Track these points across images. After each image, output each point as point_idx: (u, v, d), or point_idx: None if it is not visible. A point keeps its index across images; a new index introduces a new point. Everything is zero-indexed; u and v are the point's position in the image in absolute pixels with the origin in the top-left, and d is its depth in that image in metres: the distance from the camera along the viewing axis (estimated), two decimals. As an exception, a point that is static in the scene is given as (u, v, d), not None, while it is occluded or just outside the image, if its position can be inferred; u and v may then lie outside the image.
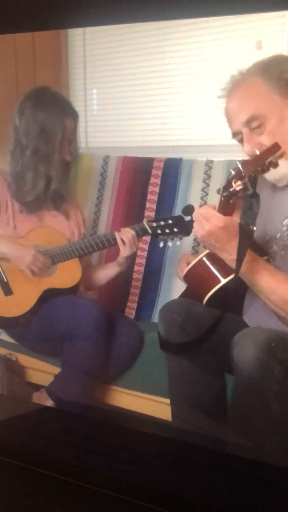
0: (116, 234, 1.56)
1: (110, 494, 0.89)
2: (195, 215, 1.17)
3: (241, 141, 1.22)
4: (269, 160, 1.05)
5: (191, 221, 1.54)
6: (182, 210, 1.55)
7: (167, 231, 1.55)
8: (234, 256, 1.11)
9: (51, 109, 1.55)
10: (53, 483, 0.97)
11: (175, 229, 1.55)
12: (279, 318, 1.16)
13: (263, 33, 1.81)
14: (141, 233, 1.56)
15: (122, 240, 1.55)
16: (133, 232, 1.55)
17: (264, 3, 0.90)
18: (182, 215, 1.54)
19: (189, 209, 1.54)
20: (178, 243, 1.58)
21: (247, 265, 1.12)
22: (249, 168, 1.05)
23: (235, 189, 1.07)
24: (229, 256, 1.14)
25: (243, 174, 1.05)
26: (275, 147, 1.05)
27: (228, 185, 1.08)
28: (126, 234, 1.55)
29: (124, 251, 1.56)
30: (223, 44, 1.87)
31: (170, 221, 1.55)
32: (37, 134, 1.54)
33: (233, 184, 1.07)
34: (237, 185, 1.06)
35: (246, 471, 0.93)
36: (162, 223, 1.56)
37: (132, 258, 1.67)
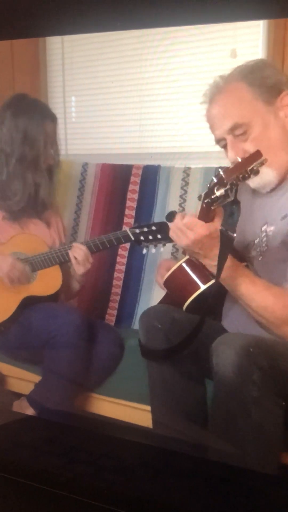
0: (69, 252, 1.54)
1: (94, 503, 0.89)
2: (176, 225, 1.17)
3: (224, 147, 1.23)
4: (250, 167, 1.06)
5: None
6: (165, 217, 1.55)
7: (150, 237, 1.54)
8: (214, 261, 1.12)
9: (31, 115, 1.55)
10: (36, 494, 0.96)
11: (159, 236, 1.54)
12: (258, 324, 1.18)
13: (238, 42, 1.84)
14: (123, 240, 1.55)
15: (75, 257, 1.53)
16: (84, 248, 1.53)
17: (238, 13, 0.91)
18: (166, 222, 1.54)
19: (172, 216, 1.54)
20: (161, 249, 1.58)
21: (228, 271, 1.13)
22: (231, 175, 1.05)
23: (216, 196, 1.08)
24: (212, 263, 1.14)
25: (225, 181, 1.06)
26: (257, 155, 1.07)
27: (209, 192, 1.09)
28: (78, 251, 1.53)
29: (78, 270, 1.54)
30: (199, 52, 1.88)
31: (153, 228, 1.55)
32: (21, 141, 1.54)
33: (214, 191, 1.07)
34: (218, 192, 1.07)
35: (229, 478, 0.94)
36: (145, 229, 1.55)
37: (86, 275, 1.63)
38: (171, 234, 1.20)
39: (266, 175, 1.18)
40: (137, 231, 1.56)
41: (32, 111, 1.56)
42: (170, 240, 1.55)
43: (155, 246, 1.57)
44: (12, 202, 1.58)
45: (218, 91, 1.22)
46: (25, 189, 1.57)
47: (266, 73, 1.18)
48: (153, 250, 1.57)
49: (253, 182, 1.21)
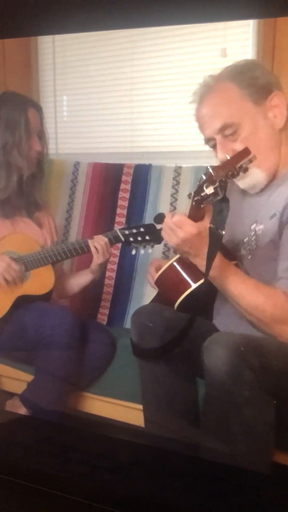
0: (90, 241, 1.56)
1: (88, 503, 0.89)
2: (167, 224, 1.17)
3: (214, 147, 1.23)
4: (239, 164, 1.07)
5: None
6: (153, 219, 1.56)
7: (139, 238, 1.56)
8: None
9: (13, 104, 1.57)
10: (29, 493, 0.96)
11: (147, 237, 1.57)
12: (249, 322, 1.18)
13: (228, 41, 1.85)
14: (114, 240, 1.57)
15: (95, 248, 1.55)
16: (106, 240, 1.56)
17: (228, 12, 0.92)
18: (154, 223, 1.56)
19: (160, 218, 1.54)
20: (150, 250, 1.60)
21: (218, 270, 1.14)
22: (220, 172, 1.06)
23: (206, 194, 1.08)
24: (203, 261, 1.14)
25: (214, 179, 1.06)
26: (245, 152, 1.07)
27: (199, 189, 1.09)
28: (99, 241, 1.55)
29: (98, 259, 1.56)
30: (190, 51, 1.89)
31: (142, 229, 1.57)
32: (3, 129, 1.55)
33: (204, 188, 1.08)
34: (208, 190, 1.08)
35: (223, 476, 0.94)
36: (134, 231, 1.57)
37: (105, 266, 1.67)
38: (163, 233, 1.20)
39: (256, 176, 1.19)
40: (127, 232, 1.57)
41: (13, 101, 1.59)
42: (158, 241, 1.57)
43: (144, 247, 1.58)
44: None
45: (208, 91, 1.22)
46: (8, 175, 1.57)
47: (255, 74, 1.19)
48: (142, 251, 1.59)
49: (243, 183, 1.22)
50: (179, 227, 1.14)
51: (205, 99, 1.22)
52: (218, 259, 1.14)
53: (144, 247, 1.58)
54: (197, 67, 1.86)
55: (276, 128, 1.19)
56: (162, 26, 1.75)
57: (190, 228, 1.13)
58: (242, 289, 1.14)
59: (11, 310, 1.55)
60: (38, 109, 1.62)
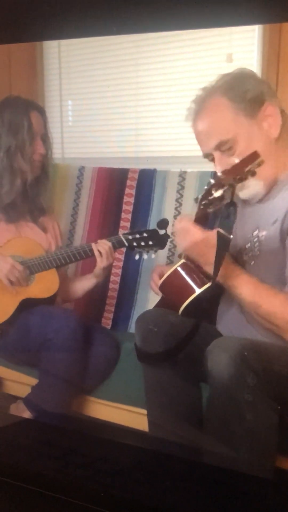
0: (93, 245, 1.56)
1: (90, 507, 0.89)
2: (175, 228, 1.18)
3: (212, 161, 1.23)
4: (248, 168, 1.07)
5: (166, 235, 1.57)
6: (156, 224, 1.56)
7: (142, 243, 1.57)
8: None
9: (15, 107, 1.58)
10: (32, 496, 0.96)
11: (150, 242, 1.57)
12: (268, 331, 1.16)
13: (234, 46, 1.85)
14: (117, 245, 1.57)
15: (99, 252, 1.55)
16: (109, 244, 1.56)
17: (234, 18, 0.92)
18: (157, 229, 1.56)
19: (163, 223, 1.56)
20: (153, 255, 1.60)
21: (232, 280, 1.14)
22: (229, 176, 1.06)
23: (214, 197, 1.08)
24: (209, 267, 1.14)
25: (222, 183, 1.07)
26: (254, 156, 1.07)
27: (207, 193, 1.09)
28: (103, 245, 1.56)
29: (101, 262, 1.56)
30: (195, 56, 1.90)
31: (145, 234, 1.57)
32: (6, 133, 1.56)
33: (212, 192, 1.08)
34: (216, 194, 1.08)
35: (225, 481, 0.94)
36: (137, 236, 1.57)
37: (109, 270, 1.67)
38: (175, 237, 1.21)
39: (255, 186, 1.19)
40: (130, 237, 1.57)
41: (16, 104, 1.59)
42: (162, 246, 1.57)
43: (147, 252, 1.59)
44: (1, 193, 1.59)
45: (201, 107, 1.23)
46: (12, 179, 1.58)
47: (246, 87, 1.19)
48: (145, 256, 1.59)
49: (243, 194, 1.22)
50: (186, 231, 1.14)
51: (199, 115, 1.23)
52: (232, 269, 1.14)
53: (148, 252, 1.58)
54: (202, 72, 1.86)
55: (272, 137, 1.19)
56: (167, 31, 1.75)
57: (196, 234, 1.13)
58: (257, 297, 1.13)
59: (16, 313, 1.55)
60: (41, 112, 1.62)
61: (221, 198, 1.08)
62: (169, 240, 1.58)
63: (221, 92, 1.20)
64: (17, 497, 0.99)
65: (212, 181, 1.09)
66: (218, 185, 1.07)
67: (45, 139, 1.63)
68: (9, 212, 1.61)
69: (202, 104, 1.22)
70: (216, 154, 1.20)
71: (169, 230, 1.56)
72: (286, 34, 1.72)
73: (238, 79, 1.21)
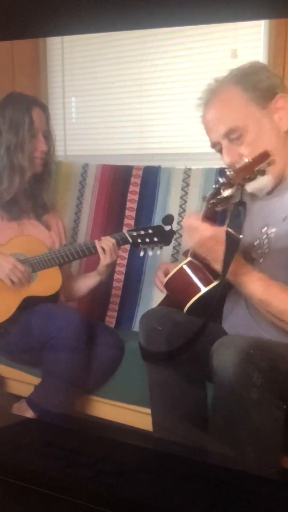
0: (97, 242, 1.55)
1: (93, 507, 0.88)
2: (183, 224, 1.17)
3: (220, 151, 1.23)
4: (258, 168, 1.06)
5: (171, 231, 1.56)
6: (162, 220, 1.55)
7: (147, 240, 1.55)
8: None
9: (17, 104, 1.57)
10: (34, 497, 0.96)
11: (155, 239, 1.56)
12: (281, 329, 1.15)
13: (239, 42, 1.83)
14: (121, 242, 1.57)
15: (103, 249, 1.54)
16: (113, 241, 1.55)
17: (239, 13, 0.91)
18: (162, 225, 1.55)
19: (168, 219, 1.55)
20: (158, 252, 1.59)
21: (241, 278, 1.13)
22: (239, 176, 1.05)
23: (223, 197, 1.07)
24: (218, 264, 1.13)
25: (232, 182, 1.05)
26: (264, 155, 1.06)
27: (216, 192, 1.09)
28: (107, 242, 1.55)
29: (105, 260, 1.55)
30: (200, 52, 1.88)
31: (150, 231, 1.56)
32: (7, 130, 1.56)
33: (221, 191, 1.07)
34: (225, 193, 1.06)
35: (230, 481, 0.93)
36: (142, 232, 1.56)
37: (112, 267, 1.66)
38: (183, 234, 1.20)
39: (262, 179, 1.18)
40: (135, 233, 1.56)
41: (18, 101, 1.59)
42: (167, 243, 1.56)
43: (152, 249, 1.57)
44: (1, 189, 1.58)
45: (212, 96, 1.22)
46: (12, 175, 1.57)
47: (260, 77, 1.19)
48: (150, 253, 1.58)
49: (250, 186, 1.20)
50: (195, 228, 1.13)
51: (210, 104, 1.23)
52: (242, 266, 1.13)
53: (152, 248, 1.57)
54: (206, 68, 1.85)
55: (282, 130, 1.18)
56: (171, 27, 1.74)
57: (205, 230, 1.12)
58: (268, 294, 1.11)
59: (18, 311, 1.54)
60: (44, 108, 1.62)
61: (230, 197, 1.07)
62: (174, 238, 1.57)
63: (234, 81, 1.20)
64: (19, 497, 0.98)
65: (221, 180, 1.07)
66: (228, 184, 1.06)
67: (47, 135, 1.62)
68: (11, 210, 1.61)
69: (214, 93, 1.22)
70: (224, 143, 1.20)
71: (174, 227, 1.55)
72: (293, 29, 1.71)
73: (252, 70, 1.21)
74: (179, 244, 1.81)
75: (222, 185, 1.07)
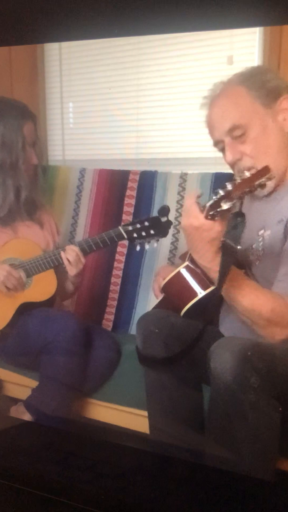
0: (62, 253, 1.53)
1: (91, 510, 0.88)
2: (183, 224, 1.15)
3: (222, 150, 1.24)
4: (258, 182, 1.06)
5: (168, 222, 1.52)
6: (158, 211, 1.52)
7: (143, 233, 1.51)
8: (205, 262, 1.11)
9: (7, 120, 1.55)
10: (32, 500, 0.96)
11: (152, 231, 1.51)
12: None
13: (235, 48, 1.85)
14: (116, 238, 1.53)
15: (68, 260, 1.52)
16: (77, 250, 1.52)
17: (235, 20, 0.92)
18: (159, 216, 1.51)
19: (164, 210, 1.50)
20: (155, 245, 1.54)
21: (228, 283, 1.12)
22: (239, 190, 1.05)
23: (222, 209, 1.07)
24: (205, 264, 1.13)
25: (232, 196, 1.05)
26: (265, 170, 1.06)
27: (215, 205, 1.07)
28: (70, 252, 1.52)
29: (71, 271, 1.53)
30: (196, 59, 1.90)
31: (146, 223, 1.51)
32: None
33: (221, 204, 1.07)
34: (225, 205, 1.06)
35: (227, 484, 0.93)
36: (138, 225, 1.51)
37: (81, 276, 1.63)
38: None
39: None
40: (130, 228, 1.52)
41: (8, 115, 1.56)
42: (163, 234, 1.52)
43: (149, 242, 1.53)
44: None
45: (218, 95, 1.24)
46: (5, 193, 1.57)
47: (266, 77, 1.20)
48: (147, 247, 1.53)
49: None
50: (187, 213, 1.11)
51: (215, 103, 1.24)
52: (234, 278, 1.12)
53: (149, 242, 1.52)
54: (203, 74, 1.86)
55: (286, 131, 1.19)
56: (168, 34, 1.76)
57: (191, 218, 1.09)
58: (254, 301, 1.11)
59: (15, 317, 1.54)
60: (33, 119, 1.60)
61: (229, 210, 1.07)
62: (171, 233, 1.54)
63: (240, 81, 1.21)
64: (17, 500, 0.98)
65: (221, 192, 1.07)
66: (228, 198, 1.06)
67: (36, 146, 1.61)
68: (4, 218, 1.60)
69: (219, 92, 1.23)
70: (227, 140, 1.21)
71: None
72: (287, 36, 1.72)
73: (258, 71, 1.23)
74: (177, 239, 1.82)
75: (222, 198, 1.07)
